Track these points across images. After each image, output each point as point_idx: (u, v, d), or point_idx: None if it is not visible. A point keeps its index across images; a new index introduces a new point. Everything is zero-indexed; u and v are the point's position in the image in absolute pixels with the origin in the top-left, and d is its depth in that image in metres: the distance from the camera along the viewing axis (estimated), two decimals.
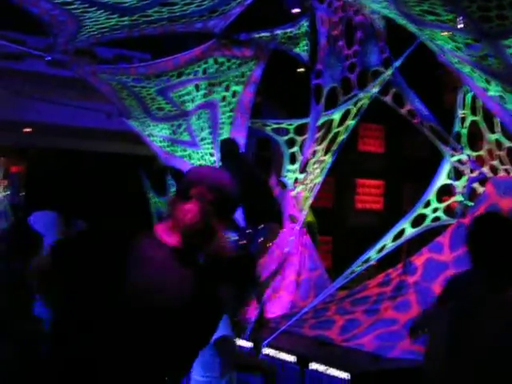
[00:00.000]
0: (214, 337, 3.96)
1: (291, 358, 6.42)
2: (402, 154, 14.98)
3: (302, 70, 10.18)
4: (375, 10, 6.97)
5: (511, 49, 4.96)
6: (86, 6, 6.78)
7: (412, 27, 5.89)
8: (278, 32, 8.87)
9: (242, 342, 6.90)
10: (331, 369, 5.94)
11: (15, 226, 9.00)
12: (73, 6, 6.77)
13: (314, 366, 6.12)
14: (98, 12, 6.97)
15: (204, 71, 9.08)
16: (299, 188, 9.09)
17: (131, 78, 9.03)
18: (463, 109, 7.10)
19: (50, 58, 8.31)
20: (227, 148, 7.98)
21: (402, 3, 5.24)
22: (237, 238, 8.34)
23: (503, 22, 4.72)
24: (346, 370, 5.85)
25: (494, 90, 5.68)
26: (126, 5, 6.79)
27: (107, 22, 7.28)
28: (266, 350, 6.68)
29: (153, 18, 7.28)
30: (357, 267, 7.21)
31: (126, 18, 7.23)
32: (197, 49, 8.80)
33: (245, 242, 7.86)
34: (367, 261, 7.19)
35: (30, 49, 9.92)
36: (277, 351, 6.59)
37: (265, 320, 7.63)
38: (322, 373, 6.01)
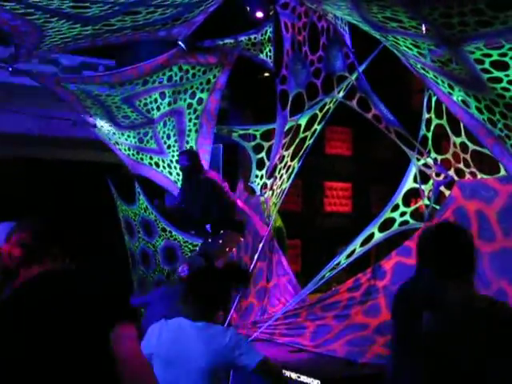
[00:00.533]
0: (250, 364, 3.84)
1: None
2: (369, 156, 15.03)
3: (267, 74, 10.17)
4: (338, 16, 6.99)
5: (473, 55, 5.00)
6: (48, 16, 6.69)
7: (376, 33, 5.91)
8: (242, 38, 8.88)
9: None
10: (303, 376, 5.93)
11: None
12: (34, 17, 6.68)
13: (286, 373, 6.10)
14: (61, 22, 6.89)
15: (169, 79, 9.07)
16: (267, 194, 9.10)
17: (96, 86, 8.96)
18: (429, 112, 7.13)
19: (10, 69, 8.18)
20: (194, 161, 8.02)
21: (364, 10, 5.26)
22: (200, 244, 8.44)
23: (465, 28, 4.75)
24: (316, 377, 5.85)
25: (457, 95, 5.73)
26: (89, 14, 6.72)
27: (70, 31, 7.21)
28: None
29: (116, 26, 7.23)
30: (326, 272, 7.21)
31: (88, 28, 7.16)
32: (161, 57, 8.78)
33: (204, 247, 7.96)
34: (337, 266, 7.20)
35: None
36: None
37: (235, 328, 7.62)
38: (294, 380, 5.99)
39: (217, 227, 8.09)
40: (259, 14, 8.90)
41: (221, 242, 7.85)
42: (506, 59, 4.92)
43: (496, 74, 5.07)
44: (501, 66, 5.04)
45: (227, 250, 8.11)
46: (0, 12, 6.55)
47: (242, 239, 8.29)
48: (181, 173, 9.63)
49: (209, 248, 7.88)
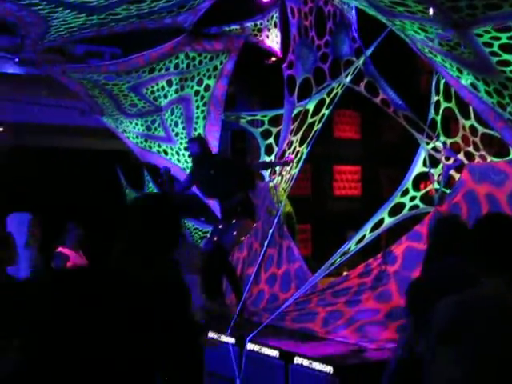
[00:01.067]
0: None
1: (275, 353, 6.40)
2: (377, 139, 14.95)
3: (274, 59, 10.12)
4: (345, 0, 6.94)
5: (482, 38, 4.95)
6: (53, 6, 6.68)
7: (382, 18, 5.87)
8: (249, 24, 8.82)
9: (224, 338, 6.89)
10: (315, 363, 5.92)
11: None
12: (39, 7, 6.68)
13: (298, 360, 6.11)
14: (66, 12, 6.87)
15: (175, 66, 9.04)
16: (276, 179, 9.09)
17: (102, 75, 8.95)
18: (437, 94, 7.09)
19: (18, 60, 8.17)
20: (204, 147, 7.95)
21: None
22: (209, 234, 8.40)
23: (473, 11, 4.71)
24: (329, 364, 5.84)
25: (466, 79, 5.68)
26: (94, 4, 6.70)
27: (75, 21, 7.20)
28: (250, 346, 6.67)
29: (121, 15, 7.21)
30: (337, 258, 7.20)
31: (94, 17, 7.15)
32: (167, 44, 8.75)
33: (215, 238, 7.91)
34: (347, 252, 7.19)
35: None
36: (260, 346, 6.57)
37: (247, 315, 7.63)
38: (306, 367, 5.99)
39: (232, 212, 7.95)
40: None
41: (235, 233, 7.78)
42: None
43: (505, 56, 5.03)
44: (510, 48, 4.99)
45: (241, 239, 8.09)
46: (5, 3, 6.55)
47: (254, 225, 8.24)
48: (190, 160, 9.63)
49: (223, 241, 7.82)
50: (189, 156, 8.52)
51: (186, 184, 8.32)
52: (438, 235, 4.17)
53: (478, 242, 3.05)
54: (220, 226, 8.05)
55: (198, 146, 7.90)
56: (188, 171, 9.46)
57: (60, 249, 7.92)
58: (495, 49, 4.99)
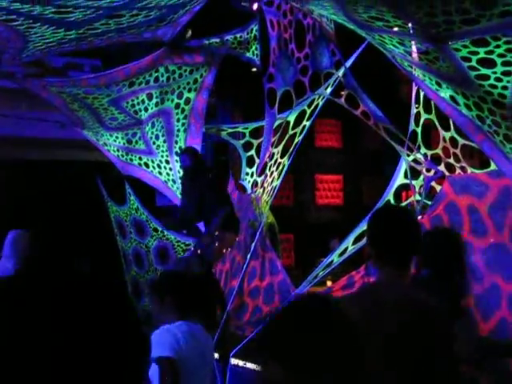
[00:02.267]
0: None
1: (259, 368, 6.36)
2: (359, 147, 15.04)
3: (254, 69, 10.13)
4: (324, 14, 6.95)
5: (460, 52, 4.97)
6: (31, 21, 6.63)
7: (361, 32, 5.88)
8: (228, 37, 8.82)
9: None
10: None
11: None
12: (17, 23, 6.61)
13: None
14: (44, 27, 6.82)
15: (155, 80, 9.02)
16: (258, 191, 9.08)
17: (82, 89, 8.90)
18: (417, 106, 7.12)
19: None
20: (196, 160, 7.93)
21: (349, 10, 5.22)
22: (193, 247, 8.38)
23: (450, 26, 4.73)
24: None
25: (445, 92, 5.70)
26: (72, 19, 6.66)
27: (53, 36, 7.14)
28: (234, 360, 6.65)
29: (100, 30, 7.16)
30: (320, 271, 7.20)
31: (72, 32, 7.10)
32: (147, 58, 8.73)
33: (199, 250, 7.89)
34: (330, 264, 7.19)
35: None
36: (244, 361, 6.56)
37: (230, 329, 7.61)
38: None
39: (215, 226, 7.95)
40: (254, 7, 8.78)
41: (217, 244, 7.79)
42: (493, 56, 4.89)
43: (483, 71, 5.04)
44: (488, 62, 5.01)
45: (223, 252, 8.09)
46: None
47: (237, 238, 8.25)
48: (171, 173, 9.61)
49: (206, 252, 7.81)
50: (182, 169, 8.42)
51: (183, 202, 8.31)
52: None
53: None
54: (203, 239, 8.06)
55: (188, 158, 7.90)
56: (169, 185, 9.45)
57: None
58: (473, 63, 5.01)
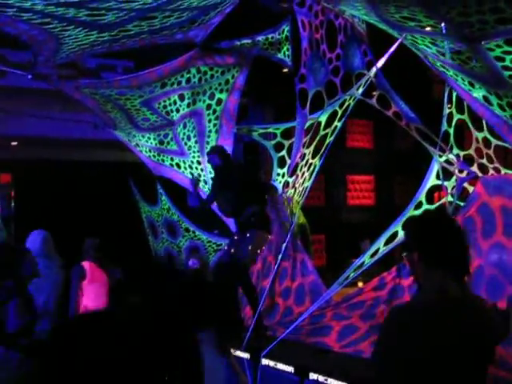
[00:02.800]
0: None
1: (290, 369, 6.38)
2: (390, 148, 14.97)
3: (286, 70, 10.13)
4: (355, 15, 6.93)
5: (493, 52, 4.93)
6: (64, 24, 6.71)
7: (393, 32, 5.86)
8: (260, 38, 8.84)
9: (239, 353, 6.87)
10: (330, 379, 5.89)
11: (5, 243, 8.96)
12: (51, 26, 6.71)
13: (313, 376, 6.08)
14: (77, 30, 6.90)
15: (187, 81, 9.07)
16: (289, 192, 9.07)
17: (115, 90, 8.97)
18: (450, 106, 7.06)
19: (31, 77, 8.21)
20: (226, 159, 7.94)
21: (381, 10, 5.21)
22: (226, 246, 8.35)
23: (484, 26, 4.69)
24: (345, 379, 5.80)
25: (478, 92, 5.66)
26: (105, 21, 6.73)
27: (87, 38, 7.22)
28: (265, 361, 6.65)
29: (133, 32, 7.23)
30: (351, 272, 7.17)
31: (105, 34, 7.18)
32: (179, 59, 8.78)
33: (233, 250, 7.88)
34: (361, 266, 7.16)
35: (11, 66, 9.83)
36: (275, 362, 6.55)
37: (262, 329, 7.60)
38: (321, 383, 5.96)
39: (247, 224, 7.91)
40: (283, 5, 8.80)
41: (250, 247, 7.75)
42: None
43: None
44: None
45: (257, 252, 8.04)
46: (18, 22, 6.58)
47: (270, 237, 8.20)
48: (202, 174, 9.65)
49: (239, 255, 7.79)
50: (212, 168, 8.44)
51: (209, 198, 8.33)
52: None
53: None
54: (236, 237, 8.03)
55: (218, 157, 7.91)
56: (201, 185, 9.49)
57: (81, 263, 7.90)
58: (507, 63, 4.97)
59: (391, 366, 2.93)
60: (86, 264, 7.71)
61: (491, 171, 6.75)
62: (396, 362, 2.91)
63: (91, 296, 7.54)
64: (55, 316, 6.97)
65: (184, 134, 9.68)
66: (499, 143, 6.58)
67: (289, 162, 9.30)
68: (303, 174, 8.89)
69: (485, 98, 5.67)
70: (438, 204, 7.29)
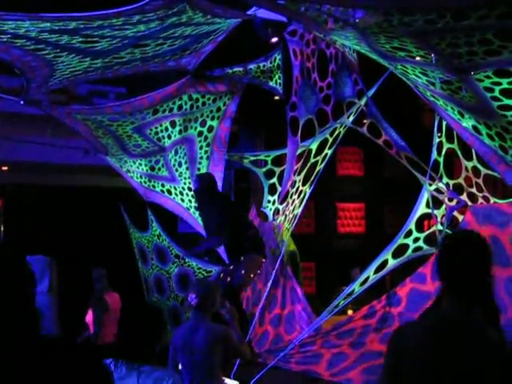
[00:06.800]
0: None
1: None
2: (380, 176, 15.03)
3: (277, 98, 10.19)
4: (347, 45, 7.01)
5: (483, 83, 4.99)
6: (58, 51, 6.76)
7: (384, 62, 5.92)
8: (252, 66, 8.91)
9: (228, 381, 6.83)
10: None
11: None
12: (44, 52, 6.75)
13: None
14: (70, 56, 6.95)
15: (179, 108, 9.11)
16: (280, 219, 9.10)
17: (107, 116, 9.00)
18: (439, 134, 7.12)
19: (23, 103, 8.22)
20: (204, 184, 8.00)
21: (372, 41, 5.27)
22: (221, 274, 8.33)
23: (473, 57, 4.76)
24: None
25: (468, 122, 5.72)
26: (98, 48, 6.78)
27: (80, 64, 7.26)
28: None
29: (125, 59, 7.28)
30: (341, 300, 7.18)
31: (98, 61, 7.22)
32: (171, 86, 8.83)
33: (227, 278, 7.85)
34: (351, 294, 7.17)
35: (3, 92, 9.84)
36: None
37: (252, 356, 7.56)
38: None
39: (239, 251, 7.90)
40: (272, 38, 8.89)
41: (243, 272, 7.73)
42: None
43: (506, 101, 5.07)
44: (511, 93, 5.03)
45: (252, 276, 7.99)
46: (11, 49, 6.62)
47: (264, 260, 8.15)
48: (193, 199, 9.66)
49: (233, 280, 7.77)
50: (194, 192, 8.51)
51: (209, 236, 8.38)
52: None
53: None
54: (231, 267, 8.03)
55: (197, 182, 8.06)
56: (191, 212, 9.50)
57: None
58: (496, 94, 5.03)
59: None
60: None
61: (480, 200, 6.79)
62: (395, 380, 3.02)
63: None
64: None
65: (175, 160, 9.70)
66: (489, 172, 6.63)
67: (279, 189, 9.34)
68: (293, 201, 8.93)
69: (474, 127, 5.73)
70: (427, 233, 7.32)
